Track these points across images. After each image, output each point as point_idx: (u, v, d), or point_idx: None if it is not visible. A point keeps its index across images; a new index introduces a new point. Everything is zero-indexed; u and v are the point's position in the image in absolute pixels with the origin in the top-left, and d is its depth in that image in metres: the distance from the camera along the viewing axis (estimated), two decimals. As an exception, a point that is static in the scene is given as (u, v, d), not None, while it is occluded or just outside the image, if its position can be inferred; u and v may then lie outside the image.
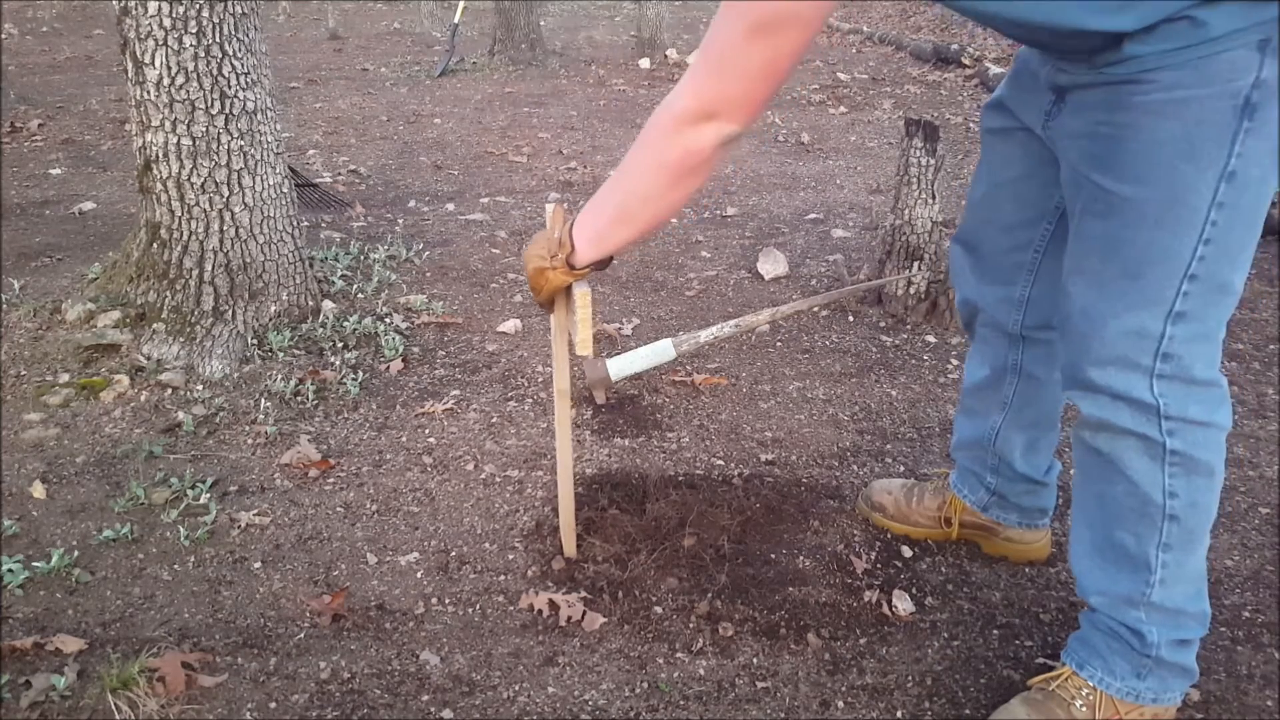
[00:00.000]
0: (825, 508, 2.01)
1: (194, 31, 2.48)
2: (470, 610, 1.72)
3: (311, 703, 1.52)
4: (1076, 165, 1.31)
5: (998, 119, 1.53)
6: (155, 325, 2.60)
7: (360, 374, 2.53)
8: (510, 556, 1.86)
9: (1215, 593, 1.74)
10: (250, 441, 2.25)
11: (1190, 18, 1.14)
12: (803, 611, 1.70)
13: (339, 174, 4.60)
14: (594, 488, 2.05)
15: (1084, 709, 1.42)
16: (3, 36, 8.87)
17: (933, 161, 2.82)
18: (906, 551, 1.88)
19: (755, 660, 1.61)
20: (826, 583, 1.78)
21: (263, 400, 2.40)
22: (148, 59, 2.49)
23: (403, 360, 2.62)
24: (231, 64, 2.54)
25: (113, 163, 4.69)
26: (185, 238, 2.61)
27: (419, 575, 1.82)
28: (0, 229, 3.61)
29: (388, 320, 2.84)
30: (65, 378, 2.46)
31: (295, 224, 2.81)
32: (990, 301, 1.63)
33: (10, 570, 1.77)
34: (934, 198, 2.86)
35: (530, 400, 2.46)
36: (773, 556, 1.85)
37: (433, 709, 1.51)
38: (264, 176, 2.67)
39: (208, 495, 2.03)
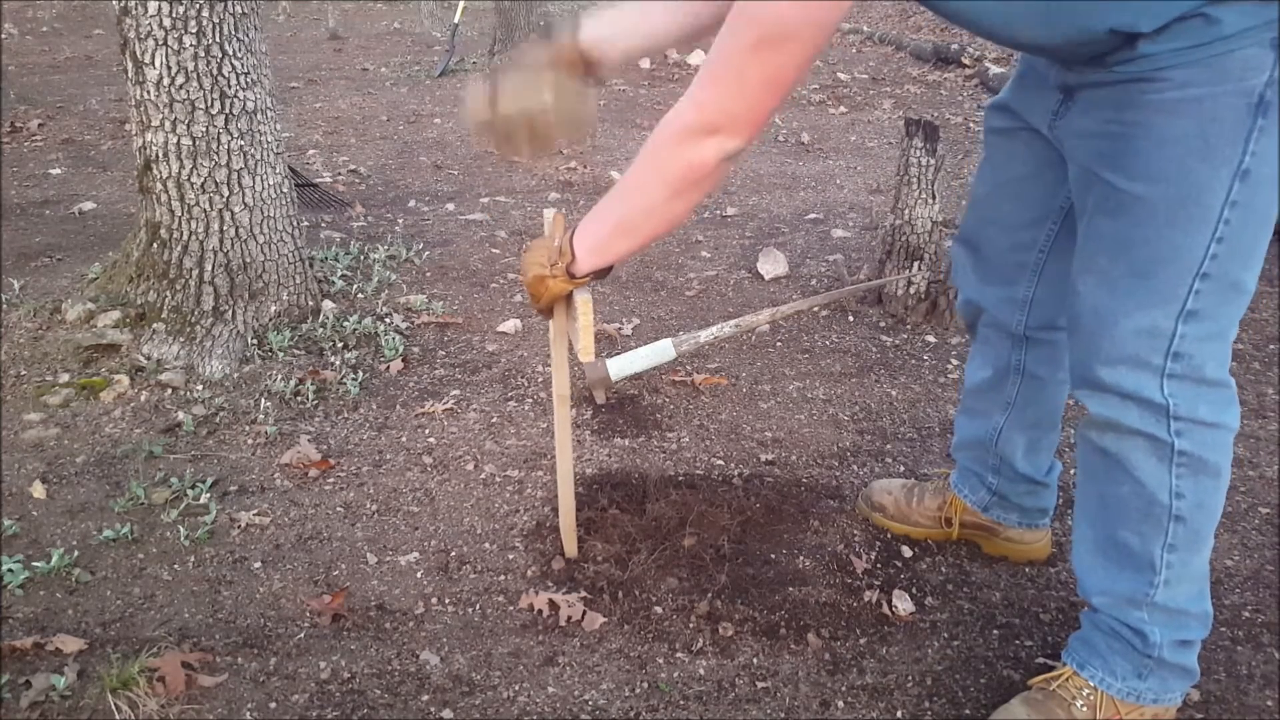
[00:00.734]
0: (825, 508, 2.01)
1: (194, 31, 2.48)
2: (470, 610, 1.72)
3: (311, 703, 1.52)
4: (1086, 164, 1.30)
5: (1002, 119, 1.53)
6: (155, 325, 2.60)
7: (360, 374, 2.53)
8: (510, 556, 1.86)
9: (1215, 593, 1.74)
10: (250, 441, 2.25)
11: (1204, 15, 1.13)
12: (803, 611, 1.70)
13: (339, 174, 4.60)
14: (594, 488, 2.05)
15: (1084, 709, 1.42)
16: (3, 36, 8.87)
17: (933, 161, 2.82)
18: (906, 551, 1.88)
19: (755, 660, 1.61)
20: (826, 583, 1.78)
21: (263, 400, 2.40)
22: (148, 59, 2.49)
23: (403, 360, 2.62)
24: (231, 64, 2.54)
25: (113, 163, 4.69)
26: (185, 238, 2.61)
27: (419, 575, 1.82)
28: (0, 229, 3.61)
29: (388, 320, 2.84)
30: (65, 378, 2.46)
31: (295, 224, 2.81)
32: (993, 302, 1.63)
33: (10, 570, 1.77)
34: (934, 198, 2.86)
35: (530, 400, 2.46)
36: (773, 556, 1.85)
37: (433, 709, 1.51)
38: (264, 176, 2.67)
39: (208, 495, 2.03)
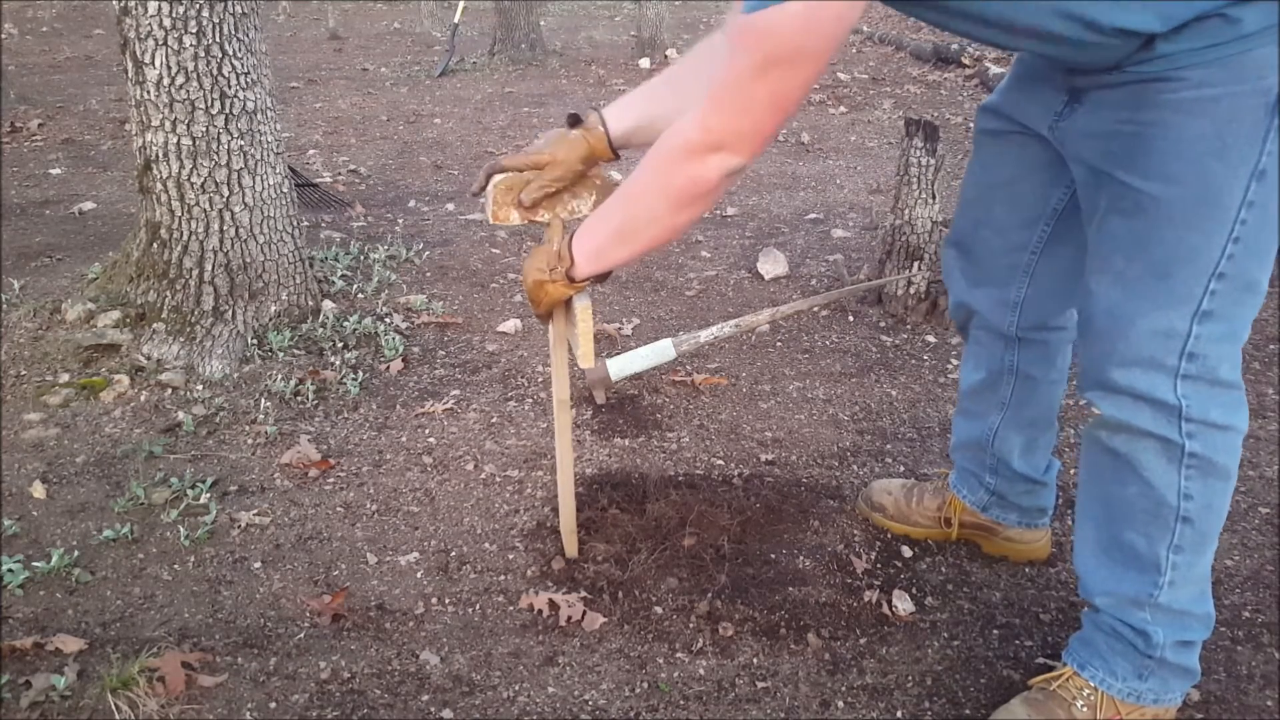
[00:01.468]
0: (825, 508, 2.01)
1: (194, 31, 2.48)
2: (470, 610, 1.72)
3: (311, 703, 1.52)
4: (1097, 164, 1.29)
5: (994, 121, 1.53)
6: (155, 325, 2.60)
7: (360, 374, 2.53)
8: (510, 556, 1.86)
9: (1215, 593, 1.73)
10: (250, 441, 2.25)
11: (1223, 15, 1.13)
12: (803, 611, 1.70)
13: (339, 174, 4.60)
14: (594, 488, 2.04)
15: (1085, 709, 1.42)
16: (3, 36, 8.86)
17: (933, 161, 2.82)
18: (906, 551, 1.88)
19: (755, 660, 1.61)
20: (826, 583, 1.78)
21: (263, 400, 2.40)
22: (148, 59, 2.49)
23: (403, 360, 2.63)
24: (231, 64, 2.54)
25: (113, 163, 4.69)
26: (185, 238, 2.61)
27: (419, 575, 1.82)
28: (0, 229, 3.61)
29: (388, 320, 2.84)
30: (65, 378, 2.46)
31: (295, 224, 2.81)
32: (984, 304, 1.63)
33: (10, 570, 1.77)
34: (934, 198, 2.86)
35: (530, 400, 2.46)
36: (773, 556, 1.85)
37: (433, 709, 1.51)
38: (264, 176, 2.67)
39: (208, 495, 2.03)
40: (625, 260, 1.46)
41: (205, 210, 2.60)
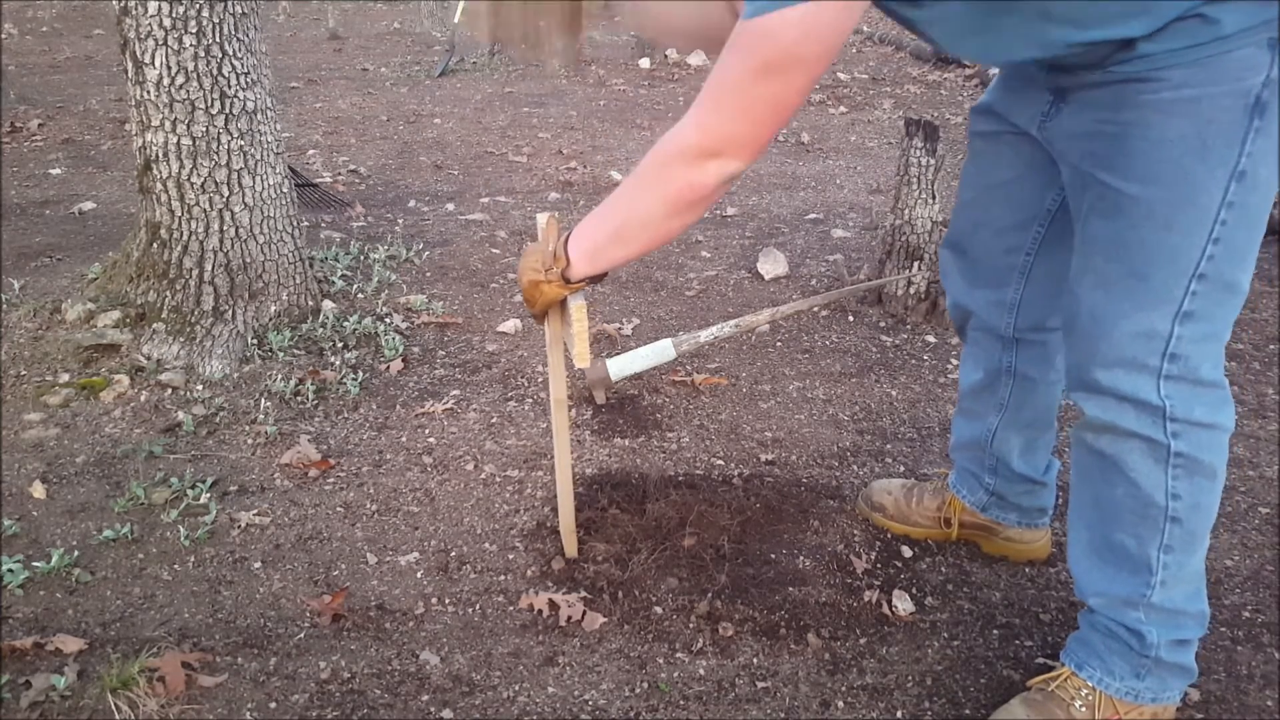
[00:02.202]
0: (825, 508, 2.01)
1: (194, 31, 2.48)
2: (470, 610, 1.72)
3: (311, 703, 1.52)
4: (1080, 165, 1.30)
5: (986, 122, 1.53)
6: (155, 325, 2.60)
7: (360, 374, 2.53)
8: (510, 556, 1.86)
9: (1215, 593, 1.74)
10: (250, 441, 2.25)
11: (1202, 15, 1.13)
12: (803, 611, 1.70)
13: (339, 174, 4.60)
14: (594, 488, 2.05)
15: (1083, 709, 1.42)
16: (3, 36, 8.87)
17: (933, 161, 2.82)
18: (906, 551, 1.88)
19: (755, 660, 1.61)
20: (826, 583, 1.78)
21: (263, 400, 2.40)
22: (148, 59, 2.49)
23: (403, 360, 2.63)
24: (231, 64, 2.54)
25: (113, 163, 4.69)
26: (185, 238, 2.61)
27: (419, 575, 1.82)
28: (0, 229, 3.61)
29: (388, 320, 2.84)
30: (65, 378, 2.46)
31: (295, 224, 2.81)
32: (981, 305, 1.63)
33: (10, 570, 1.77)
34: (934, 198, 2.86)
35: (530, 400, 2.46)
36: (773, 556, 1.85)
37: (433, 709, 1.51)
38: (264, 176, 2.67)
39: (208, 495, 2.03)
40: (621, 262, 1.46)
41: (205, 210, 2.60)
